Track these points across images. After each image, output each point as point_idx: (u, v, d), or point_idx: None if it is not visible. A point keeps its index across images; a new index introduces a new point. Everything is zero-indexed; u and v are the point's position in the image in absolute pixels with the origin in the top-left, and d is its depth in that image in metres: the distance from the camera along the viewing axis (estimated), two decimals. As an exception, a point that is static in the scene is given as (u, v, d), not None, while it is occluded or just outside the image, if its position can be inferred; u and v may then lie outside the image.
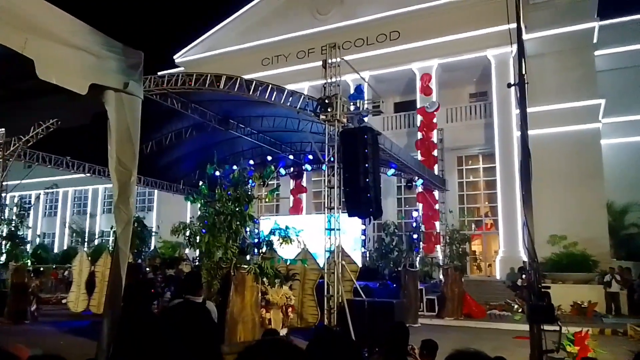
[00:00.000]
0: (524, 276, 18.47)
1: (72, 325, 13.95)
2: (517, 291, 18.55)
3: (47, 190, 31.38)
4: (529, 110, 4.71)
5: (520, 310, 16.44)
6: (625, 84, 22.86)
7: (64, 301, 18.09)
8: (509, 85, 4.48)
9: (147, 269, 13.55)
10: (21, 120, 4.34)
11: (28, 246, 28.20)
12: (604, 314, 16.11)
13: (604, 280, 16.94)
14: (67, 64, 2.74)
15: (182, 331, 1.66)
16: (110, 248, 20.52)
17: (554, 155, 20.14)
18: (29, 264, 20.92)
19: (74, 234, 37.59)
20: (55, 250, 37.18)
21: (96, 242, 34.84)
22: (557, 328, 4.01)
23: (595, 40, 22.11)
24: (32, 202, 31.65)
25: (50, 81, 2.60)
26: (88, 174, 18.66)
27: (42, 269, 20.41)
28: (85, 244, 34.73)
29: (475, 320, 15.58)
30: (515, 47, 4.47)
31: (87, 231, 37.21)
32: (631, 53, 23.16)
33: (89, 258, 17.49)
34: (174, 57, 30.44)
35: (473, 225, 23.89)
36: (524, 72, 4.23)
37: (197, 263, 9.68)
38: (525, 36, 22.71)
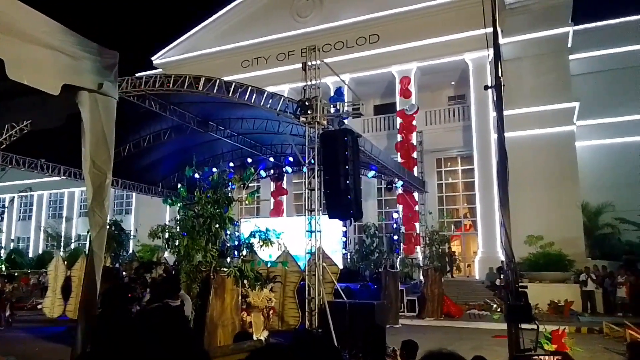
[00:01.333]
0: (502, 276, 18.76)
1: (47, 330, 13.66)
2: (496, 291, 18.81)
3: (21, 194, 30.73)
4: (505, 112, 4.78)
5: (499, 310, 16.65)
6: (599, 88, 23.41)
7: (39, 307, 17.70)
8: (486, 88, 4.54)
9: (124, 273, 13.32)
10: (-8, 122, 4.23)
11: (2, 251, 27.55)
12: (580, 312, 16.43)
13: (579, 279, 17.27)
14: (39, 64, 2.68)
15: (159, 334, 1.63)
16: (87, 252, 20.16)
17: (531, 157, 20.51)
18: (3, 269, 20.42)
19: (50, 238, 36.82)
20: (30, 255, 36.34)
21: (72, 246, 34.15)
22: (535, 327, 4.07)
23: (569, 45, 22.62)
24: (6, 206, 30.89)
25: (21, 81, 2.54)
26: (63, 177, 18.29)
27: (16, 274, 19.93)
28: (61, 248, 34.04)
29: (455, 320, 15.74)
30: (491, 50, 4.53)
31: (62, 235, 36.49)
32: (605, 57, 23.74)
33: (65, 262, 17.13)
34: (152, 58, 30.09)
35: (452, 226, 24.15)
36: (500, 75, 4.29)
37: (176, 266, 9.54)
38: (501, 40, 23.12)
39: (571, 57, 23.01)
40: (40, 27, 2.75)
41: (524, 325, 3.67)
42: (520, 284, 3.92)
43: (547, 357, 2.99)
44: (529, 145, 20.74)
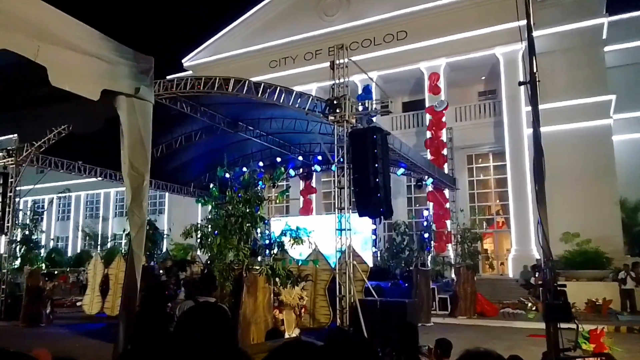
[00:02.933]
0: (537, 274, 18.35)
1: (87, 327, 14.08)
2: (530, 289, 18.42)
3: (59, 195, 31.71)
4: (539, 107, 4.67)
5: (533, 309, 16.31)
6: (635, 80, 22.60)
7: (78, 304, 18.28)
8: (521, 84, 4.45)
9: (161, 271, 13.64)
10: (34, 127, 4.40)
11: (42, 250, 28.55)
12: (618, 311, 15.93)
13: (618, 277, 16.75)
14: (80, 71, 2.78)
15: (199, 332, 1.67)
16: (123, 251, 20.71)
17: (566, 153, 19.95)
18: (43, 267, 21.18)
19: (87, 238, 37.94)
20: (69, 254, 37.54)
21: (109, 245, 35.13)
22: (574, 326, 3.98)
23: (604, 37, 21.89)
24: (46, 207, 31.97)
25: (63, 88, 2.64)
26: (100, 178, 18.82)
27: (56, 272, 20.63)
28: (98, 247, 35.04)
29: (488, 319, 15.47)
30: (525, 44, 4.44)
31: (99, 234, 37.54)
32: (641, 48, 22.88)
33: (103, 261, 17.65)
34: (182, 61, 30.61)
35: (484, 224, 23.75)
36: (535, 70, 4.20)
37: (209, 264, 9.71)
38: (534, 33, 22.46)
39: (606, 48, 22.26)
40: (79, 34, 2.85)
41: (562, 325, 3.60)
42: (558, 283, 3.84)
43: (591, 359, 2.92)
44: (563, 140, 20.18)
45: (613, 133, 21.30)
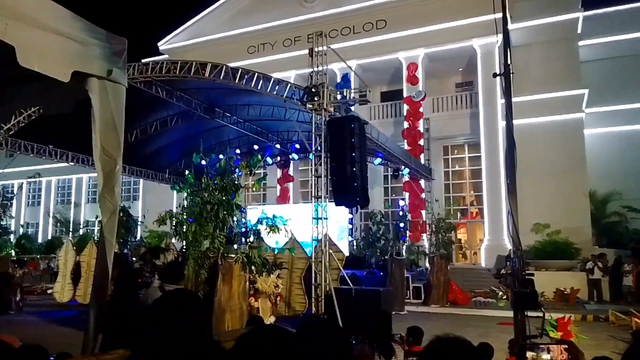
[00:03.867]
0: (508, 263, 18.77)
1: (57, 315, 13.85)
2: (501, 278, 18.83)
3: (30, 180, 30.90)
4: (514, 100, 4.75)
5: (504, 297, 16.70)
6: (608, 74, 23.14)
7: (49, 291, 17.94)
8: (495, 75, 4.50)
9: (134, 258, 13.46)
10: (2, 108, 4.26)
11: (11, 236, 27.84)
12: (586, 300, 16.44)
13: (586, 267, 17.25)
14: (49, 51, 2.69)
15: (170, 320, 1.65)
16: (96, 238, 20.35)
17: (539, 145, 20.37)
18: (13, 254, 20.68)
19: (58, 224, 37.17)
20: (39, 240, 36.73)
21: (81, 231, 34.45)
22: (541, 314, 4.09)
23: (579, 31, 22.31)
24: (15, 192, 31.10)
25: (31, 68, 2.55)
26: (72, 163, 18.37)
27: (25, 259, 20.18)
28: (70, 233, 34.35)
29: (460, 307, 15.81)
30: (500, 37, 4.49)
31: (71, 221, 36.81)
32: (615, 43, 23.39)
33: (74, 248, 17.32)
34: (159, 44, 30.00)
35: (459, 214, 24.13)
36: (509, 62, 4.25)
37: (184, 252, 9.63)
38: (510, 26, 22.84)
39: (581, 43, 22.70)
40: (50, 14, 2.75)
41: (530, 313, 3.69)
42: (526, 272, 3.93)
43: (553, 347, 3.00)
44: (537, 132, 20.59)
45: (585, 127, 21.81)
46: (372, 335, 4.72)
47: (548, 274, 17.26)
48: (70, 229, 35.52)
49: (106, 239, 2.92)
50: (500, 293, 17.27)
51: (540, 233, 19.43)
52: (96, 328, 2.86)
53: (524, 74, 19.91)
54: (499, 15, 4.51)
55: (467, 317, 14.24)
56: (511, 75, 4.28)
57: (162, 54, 29.53)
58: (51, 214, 37.56)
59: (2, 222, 17.91)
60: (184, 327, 1.65)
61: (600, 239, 21.26)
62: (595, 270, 16.80)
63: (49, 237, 36.62)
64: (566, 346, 3.06)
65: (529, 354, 3.00)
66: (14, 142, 15.96)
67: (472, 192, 24.43)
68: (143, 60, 20.54)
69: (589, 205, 20.84)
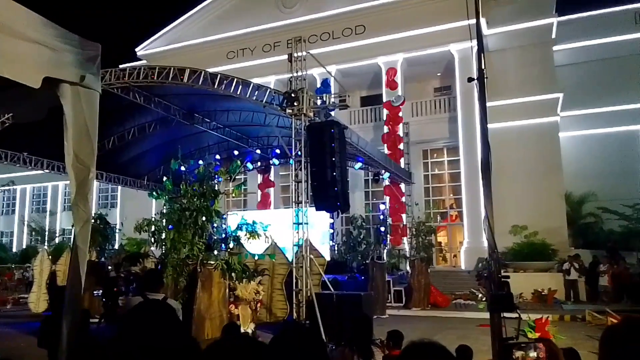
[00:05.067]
0: (481, 265, 18.99)
1: (33, 326, 13.50)
2: (481, 280, 19.02)
3: (3, 188, 30.19)
4: (490, 104, 4.82)
5: (484, 299, 16.86)
6: (583, 78, 23.69)
7: (22, 301, 17.51)
8: (470, 80, 4.57)
9: (110, 267, 13.23)
10: (-28, 115, 4.15)
11: (-16, 246, 27.12)
12: (563, 300, 16.70)
13: (562, 268, 17.53)
14: (19, 57, 2.63)
15: (147, 330, 1.63)
16: (71, 247, 19.95)
17: (515, 148, 20.72)
18: (-14, 264, 20.13)
19: (33, 233, 36.37)
20: (14, 250, 35.87)
21: (57, 240, 33.77)
22: (523, 316, 4.14)
23: (554, 36, 22.79)
24: (-12, 201, 30.39)
25: (1, 74, 2.50)
26: (46, 170, 18.03)
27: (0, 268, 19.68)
28: (46, 242, 33.64)
29: (441, 310, 15.92)
30: (475, 42, 4.56)
31: (47, 229, 36.05)
32: (589, 48, 23.99)
33: (50, 257, 16.96)
34: (136, 49, 29.68)
35: (439, 217, 24.35)
36: (483, 67, 4.32)
37: (163, 259, 9.50)
38: (486, 31, 23.17)
39: (555, 47, 23.21)
40: (20, 19, 2.70)
41: (508, 314, 3.74)
42: (502, 274, 3.98)
43: (532, 344, 3.05)
44: (513, 136, 20.95)
45: (560, 129, 22.25)
46: (352, 339, 4.72)
47: (526, 275, 17.51)
48: (46, 238, 34.78)
49: (79, 247, 2.86)
50: (480, 295, 17.44)
51: (518, 235, 19.73)
52: (69, 338, 2.80)
53: (500, 78, 20.25)
54: (474, 21, 4.59)
55: (447, 319, 14.34)
56: (485, 80, 4.34)
57: (140, 60, 29.23)
58: (26, 223, 36.73)
59: (-25, 232, 17.42)
60: (157, 338, 1.63)
61: (576, 240, 21.67)
62: (571, 271, 17.08)
63: (24, 246, 35.78)
64: (544, 344, 3.10)
65: (518, 353, 3.05)
66: (-14, 149, 15.60)
67: (451, 195, 24.68)
68: (120, 66, 20.29)
69: (565, 207, 21.24)
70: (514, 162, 20.22)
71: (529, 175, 20.97)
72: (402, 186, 22.59)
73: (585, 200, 22.50)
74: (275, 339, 1.58)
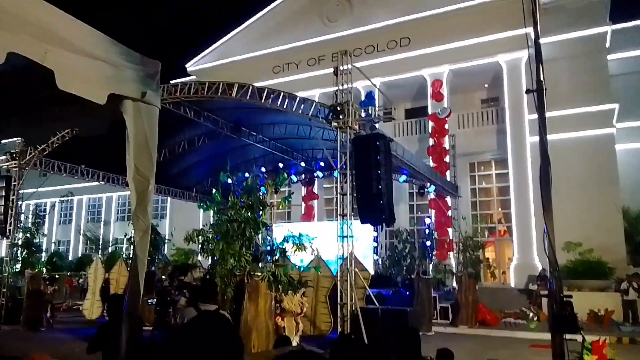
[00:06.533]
0: (538, 283, 18.25)
1: (87, 332, 14.01)
2: (532, 299, 18.32)
3: (62, 199, 31.70)
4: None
5: (535, 319, 16.21)
6: (638, 88, 22.61)
7: (75, 307, 18.21)
8: (528, 92, 4.43)
9: (163, 277, 13.60)
10: (40, 130, 4.40)
11: (43, 254, 28.53)
12: (621, 322, 15.81)
13: (620, 287, 16.64)
14: (86, 74, 2.77)
15: (207, 342, 1.66)
16: (124, 255, 20.67)
17: (568, 161, 19.90)
18: (45, 271, 21.14)
19: (88, 242, 37.92)
20: (70, 258, 37.52)
21: (110, 249, 35.09)
22: (576, 337, 3.95)
23: (608, 45, 21.92)
24: (48, 210, 31.98)
25: (69, 91, 2.64)
26: (102, 182, 18.83)
27: (57, 276, 20.60)
28: (99, 251, 35.01)
29: (490, 328, 15.38)
30: (530, 51, 4.44)
31: (101, 239, 37.53)
32: (645, 57, 22.93)
33: (104, 265, 17.62)
34: (186, 65, 30.71)
35: (486, 232, 23.68)
36: (541, 78, 4.20)
37: (210, 270, 9.68)
38: (537, 41, 22.32)
39: (609, 57, 22.30)
40: (86, 38, 2.85)
41: (570, 336, 3.57)
42: (565, 294, 3.81)
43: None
44: (566, 148, 20.14)
45: (616, 142, 21.26)
46: (400, 356, 4.61)
47: (581, 294, 16.67)
48: (100, 247, 36.21)
49: (138, 257, 2.96)
50: (531, 314, 16.78)
51: (572, 251, 18.87)
52: (128, 345, 2.88)
53: (552, 88, 19.20)
54: (530, 29, 4.47)
55: (497, 338, 13.85)
56: (545, 91, 4.21)
57: (189, 75, 30.20)
58: (82, 232, 38.38)
59: (35, 240, 18.34)
60: (215, 350, 1.65)
61: (635, 258, 20.51)
62: (630, 291, 16.17)
63: (79, 255, 37.35)
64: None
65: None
66: (47, 162, 16.50)
67: (499, 209, 23.97)
68: (172, 82, 21.06)
69: (622, 223, 20.18)
70: (568, 176, 19.41)
71: (583, 189, 20.09)
72: (448, 199, 22.15)
73: (644, 216, 21.32)
74: (335, 352, 1.57)
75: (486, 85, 25.32)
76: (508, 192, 22.15)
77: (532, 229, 20.34)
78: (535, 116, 4.53)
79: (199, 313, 3.44)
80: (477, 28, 22.20)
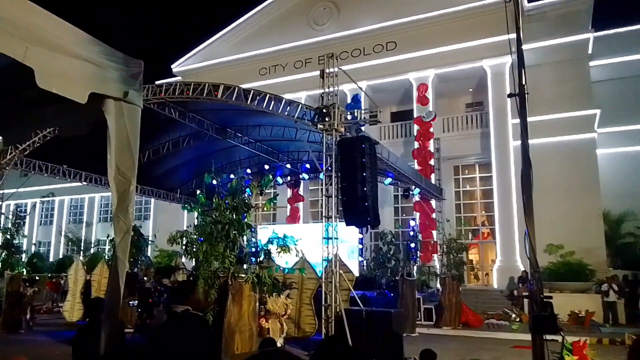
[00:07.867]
0: (521, 285, 18.47)
1: (67, 334, 13.80)
2: (514, 300, 18.53)
3: (43, 199, 31.24)
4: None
5: (517, 320, 16.39)
6: (620, 94, 23.05)
7: (56, 309, 17.93)
8: (510, 96, 4.49)
9: (145, 278, 13.46)
10: (20, 129, 4.33)
11: (23, 255, 28.02)
12: (601, 323, 16.07)
13: (601, 289, 16.91)
14: (67, 73, 2.74)
15: (174, 345, 1.64)
16: (106, 257, 20.41)
17: (551, 165, 20.21)
18: (25, 272, 20.78)
19: (70, 243, 37.35)
20: (51, 259, 36.91)
21: (92, 251, 34.63)
22: (557, 337, 4.00)
23: (590, 51, 22.31)
24: (28, 211, 31.46)
25: (50, 90, 2.60)
26: (85, 183, 18.57)
27: (37, 277, 20.25)
28: (81, 252, 34.52)
29: (473, 330, 15.52)
30: (513, 57, 4.50)
31: (82, 240, 37.00)
32: (626, 63, 23.38)
33: (85, 267, 17.37)
34: (172, 66, 30.50)
35: (470, 234, 23.90)
36: (524, 83, 4.25)
37: (193, 272, 9.61)
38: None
39: (592, 63, 22.70)
40: (68, 37, 2.81)
41: (550, 336, 3.61)
42: (545, 295, 3.86)
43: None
44: (548, 153, 20.45)
45: (597, 147, 21.64)
46: (383, 357, 4.64)
47: (562, 296, 16.91)
48: (82, 248, 35.70)
49: (119, 258, 2.93)
50: (514, 315, 16.96)
51: (553, 254, 19.14)
52: (107, 347, 2.85)
53: (535, 94, 19.69)
54: (513, 35, 4.53)
55: (480, 339, 13.97)
56: (526, 95, 4.27)
57: (175, 76, 30.00)
58: (63, 233, 37.81)
59: (15, 241, 18.01)
60: (188, 350, 1.63)
61: (614, 261, 20.89)
62: (610, 293, 16.46)
63: (60, 256, 36.78)
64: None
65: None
66: (28, 162, 16.20)
67: (483, 212, 24.22)
68: (157, 82, 20.87)
69: (602, 226, 20.54)
70: (550, 180, 19.69)
71: (565, 193, 20.41)
72: (433, 202, 22.31)
73: (623, 219, 21.71)
74: (318, 353, 1.57)
75: (471, 90, 25.59)
76: (492, 195, 22.40)
77: (515, 232, 20.58)
78: (518, 121, 4.59)
79: (168, 316, 3.42)
80: (462, 33, 22.44)
